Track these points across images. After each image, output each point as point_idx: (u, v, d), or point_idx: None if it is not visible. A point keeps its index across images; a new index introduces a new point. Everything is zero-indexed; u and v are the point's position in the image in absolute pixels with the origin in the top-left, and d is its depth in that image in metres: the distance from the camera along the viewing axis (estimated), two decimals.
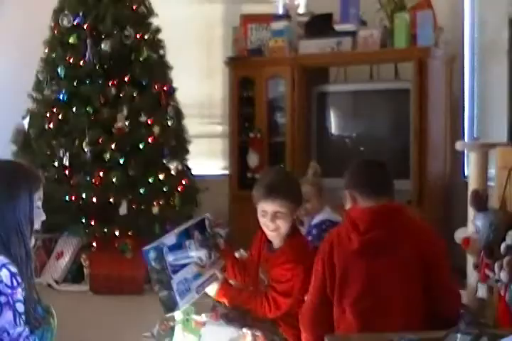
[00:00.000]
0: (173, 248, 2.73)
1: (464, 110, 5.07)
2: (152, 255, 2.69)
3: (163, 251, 2.68)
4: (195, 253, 2.85)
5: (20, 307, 2.03)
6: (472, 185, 3.48)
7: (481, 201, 3.09)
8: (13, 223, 2.12)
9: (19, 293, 2.03)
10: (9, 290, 2.00)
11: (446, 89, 5.02)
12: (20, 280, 2.04)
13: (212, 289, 2.91)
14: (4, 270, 2.01)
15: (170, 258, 2.71)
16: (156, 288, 2.72)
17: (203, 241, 2.90)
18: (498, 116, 4.32)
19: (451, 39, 5.03)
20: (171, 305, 2.69)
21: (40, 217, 2.25)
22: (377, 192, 2.52)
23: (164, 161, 5.00)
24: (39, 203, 2.23)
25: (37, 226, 2.25)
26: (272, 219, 2.79)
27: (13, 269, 2.03)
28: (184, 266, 2.77)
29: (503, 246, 2.79)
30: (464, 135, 5.02)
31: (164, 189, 4.85)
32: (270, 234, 2.89)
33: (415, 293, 2.40)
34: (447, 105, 5.03)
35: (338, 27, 5.22)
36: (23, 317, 2.04)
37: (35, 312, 2.18)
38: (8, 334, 1.99)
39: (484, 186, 3.46)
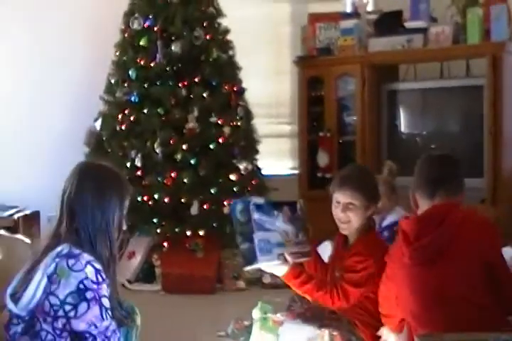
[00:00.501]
0: (260, 209, 2.71)
1: None
2: (239, 207, 2.71)
3: (250, 206, 2.70)
4: (282, 225, 2.82)
5: (106, 302, 2.10)
6: None
7: None
8: (103, 224, 2.18)
9: (104, 289, 2.10)
10: (95, 286, 2.08)
11: None
12: (104, 276, 2.11)
13: (281, 270, 2.87)
14: (89, 267, 2.08)
15: (256, 216, 2.71)
16: (238, 240, 2.71)
17: (292, 219, 2.84)
18: None
19: None
20: (250, 258, 2.68)
21: (124, 225, 2.31)
22: (433, 190, 2.46)
23: (234, 161, 5.02)
24: (125, 211, 2.28)
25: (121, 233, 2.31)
26: (343, 210, 2.80)
27: (98, 266, 2.10)
28: (268, 230, 2.76)
29: None
30: None
31: (235, 189, 4.87)
32: (341, 227, 2.89)
33: (482, 293, 2.34)
34: None
35: (408, 24, 5.19)
36: (109, 312, 2.11)
37: (121, 310, 2.25)
38: (96, 327, 2.07)
39: None
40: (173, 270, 4.61)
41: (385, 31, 5.27)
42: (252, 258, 2.67)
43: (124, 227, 2.31)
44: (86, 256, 2.10)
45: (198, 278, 4.56)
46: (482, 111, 4.72)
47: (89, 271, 2.07)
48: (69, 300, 2.04)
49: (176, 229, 4.66)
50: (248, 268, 2.77)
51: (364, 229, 2.89)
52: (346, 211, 2.82)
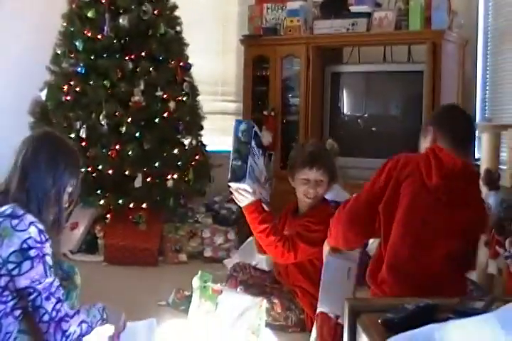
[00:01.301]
0: (255, 138, 2.93)
1: (476, 92, 5.16)
2: (242, 127, 2.87)
3: (252, 130, 2.86)
4: (262, 166, 3.05)
5: (49, 260, 2.19)
6: (484, 165, 3.59)
7: (493, 179, 3.21)
8: (54, 191, 2.28)
9: (47, 248, 2.19)
10: (38, 245, 2.16)
11: (459, 72, 5.11)
12: (47, 236, 2.20)
13: (245, 200, 2.98)
14: (33, 227, 2.17)
15: (252, 143, 2.88)
16: (232, 156, 2.88)
17: (267, 166, 3.16)
18: (509, 99, 4.41)
19: (465, 23, 5.10)
20: (239, 175, 2.87)
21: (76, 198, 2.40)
22: (460, 143, 2.52)
23: (179, 136, 5.10)
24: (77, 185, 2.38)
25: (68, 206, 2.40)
26: (313, 187, 2.98)
27: (40, 226, 2.19)
28: (255, 163, 2.94)
29: None
30: (475, 117, 5.10)
31: (178, 163, 4.96)
32: (307, 201, 3.06)
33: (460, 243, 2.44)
34: (460, 87, 5.12)
35: (353, 8, 5.29)
36: (52, 269, 2.20)
37: (62, 269, 2.35)
38: (40, 283, 2.15)
39: (496, 166, 3.57)
40: (115, 241, 4.68)
41: (331, 14, 5.37)
42: (240, 176, 2.86)
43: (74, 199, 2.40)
44: (29, 217, 2.19)
45: (140, 250, 4.65)
46: (422, 96, 4.86)
47: (33, 230, 2.16)
48: (12, 258, 2.12)
49: (119, 201, 4.72)
50: (233, 183, 2.92)
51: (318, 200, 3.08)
52: (316, 187, 3.00)
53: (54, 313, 2.13)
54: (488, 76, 5.06)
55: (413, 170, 2.45)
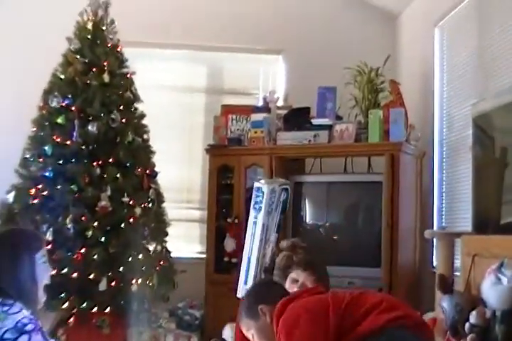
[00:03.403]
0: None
1: (433, 202, 5.55)
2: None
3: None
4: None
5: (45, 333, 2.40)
6: (439, 270, 3.93)
7: (447, 284, 3.53)
8: (26, 283, 2.50)
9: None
10: (33, 321, 2.37)
11: (417, 182, 5.54)
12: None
13: None
14: (24, 310, 2.40)
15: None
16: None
17: None
18: (464, 208, 4.80)
19: (422, 136, 5.59)
20: None
21: (47, 272, 2.65)
22: None
23: (144, 242, 5.37)
24: (44, 259, 2.63)
25: (46, 281, 2.65)
26: (299, 287, 3.30)
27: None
28: None
29: (467, 326, 3.20)
30: (433, 225, 5.48)
31: (143, 268, 5.20)
32: None
33: None
34: (417, 197, 5.54)
35: (315, 121, 5.69)
36: None
37: None
38: None
39: (450, 271, 3.91)
40: None
41: (293, 126, 5.78)
42: None
43: (50, 272, 2.65)
44: (19, 304, 2.40)
45: None
46: (381, 205, 5.20)
47: (25, 312, 2.38)
48: (7, 335, 2.29)
49: (83, 305, 4.89)
50: None
51: None
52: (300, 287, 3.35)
53: None
54: (444, 186, 5.47)
55: None
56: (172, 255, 5.64)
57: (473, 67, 4.94)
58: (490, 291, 3.14)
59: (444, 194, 5.47)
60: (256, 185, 4.13)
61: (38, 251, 2.63)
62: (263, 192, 3.98)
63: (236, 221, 5.85)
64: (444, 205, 5.44)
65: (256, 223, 3.98)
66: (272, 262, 3.71)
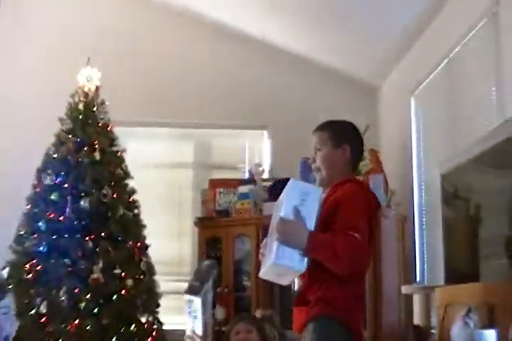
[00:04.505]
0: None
1: (415, 262, 5.82)
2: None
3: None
4: None
5: None
6: (417, 323, 4.19)
7: (421, 334, 3.80)
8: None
9: None
10: None
11: (399, 245, 5.80)
12: None
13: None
14: None
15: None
16: None
17: None
18: (438, 262, 5.06)
19: (403, 200, 5.92)
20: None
21: (9, 324, 2.85)
22: None
23: (136, 313, 5.58)
24: (4, 310, 2.83)
25: (12, 333, 2.84)
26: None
27: None
28: None
29: None
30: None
31: (135, 340, 5.42)
32: None
33: None
34: (399, 259, 5.78)
35: None
36: None
37: None
38: None
39: (428, 324, 4.17)
40: None
41: (277, 196, 6.08)
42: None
43: (15, 325, 2.84)
44: None
45: None
46: None
47: None
48: None
49: None
50: None
51: None
52: None
53: None
54: (425, 247, 5.75)
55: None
56: (164, 327, 5.84)
57: (445, 131, 5.33)
58: (459, 336, 3.40)
59: (425, 254, 5.73)
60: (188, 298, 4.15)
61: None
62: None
63: (226, 290, 6.10)
64: (425, 265, 5.71)
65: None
66: None
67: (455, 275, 4.07)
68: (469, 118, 4.85)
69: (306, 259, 2.68)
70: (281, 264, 2.70)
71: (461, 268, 4.00)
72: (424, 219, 5.82)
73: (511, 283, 3.16)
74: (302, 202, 2.75)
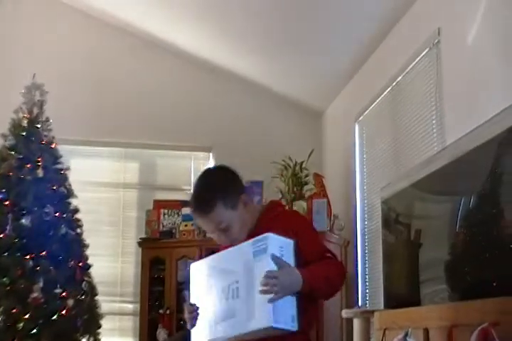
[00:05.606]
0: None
1: (357, 286, 5.95)
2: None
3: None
4: None
5: None
6: None
7: None
8: None
9: None
10: None
11: None
12: None
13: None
14: None
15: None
16: None
17: None
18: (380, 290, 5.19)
19: (346, 225, 6.06)
20: None
21: None
22: None
23: (77, 334, 5.57)
24: None
25: None
26: None
27: None
28: None
29: None
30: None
31: None
32: None
33: None
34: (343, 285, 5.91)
35: None
36: None
37: None
38: None
39: None
40: None
41: None
42: None
43: None
44: None
45: None
46: None
47: None
48: None
49: None
50: None
51: None
52: None
53: None
54: (367, 271, 5.88)
55: None
56: None
57: (388, 156, 5.48)
58: None
59: (367, 278, 5.87)
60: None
61: None
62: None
63: (168, 312, 6.13)
64: (367, 289, 5.84)
65: None
66: None
67: (394, 299, 4.17)
68: (411, 144, 5.00)
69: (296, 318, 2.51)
70: (279, 327, 2.45)
71: (401, 293, 4.10)
72: (366, 243, 5.94)
73: (447, 306, 3.27)
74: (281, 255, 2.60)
